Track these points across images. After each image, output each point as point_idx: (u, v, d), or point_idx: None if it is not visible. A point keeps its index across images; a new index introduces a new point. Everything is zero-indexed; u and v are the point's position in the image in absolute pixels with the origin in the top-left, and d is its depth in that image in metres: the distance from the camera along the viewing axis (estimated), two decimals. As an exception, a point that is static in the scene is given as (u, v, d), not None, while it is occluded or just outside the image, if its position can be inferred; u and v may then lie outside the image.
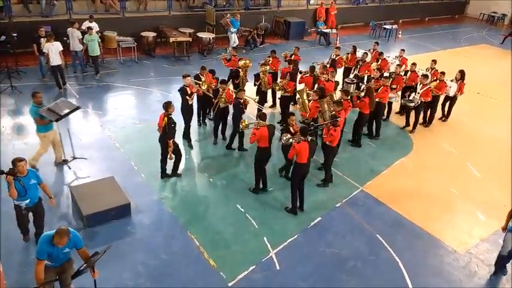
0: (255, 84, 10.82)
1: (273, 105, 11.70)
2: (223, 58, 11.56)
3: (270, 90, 11.07)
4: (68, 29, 12.46)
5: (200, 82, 9.39)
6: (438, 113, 11.79)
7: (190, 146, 9.45)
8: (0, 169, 5.60)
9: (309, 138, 7.26)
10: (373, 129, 10.58)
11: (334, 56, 12.83)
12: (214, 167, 8.88)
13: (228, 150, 9.49)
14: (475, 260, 6.98)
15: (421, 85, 10.86)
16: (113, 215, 7.00)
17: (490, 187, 9.02)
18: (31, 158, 7.95)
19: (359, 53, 12.99)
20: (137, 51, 14.69)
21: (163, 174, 8.27)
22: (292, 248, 6.83)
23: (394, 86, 11.28)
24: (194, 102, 9.49)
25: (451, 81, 11.42)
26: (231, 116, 9.39)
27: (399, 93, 11.34)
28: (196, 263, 6.38)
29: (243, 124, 8.03)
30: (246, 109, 9.16)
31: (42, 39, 11.50)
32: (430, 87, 10.74)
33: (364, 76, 12.30)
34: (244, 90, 9.16)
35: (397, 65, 11.85)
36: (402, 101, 11.26)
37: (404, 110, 11.68)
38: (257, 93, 10.81)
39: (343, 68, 13.14)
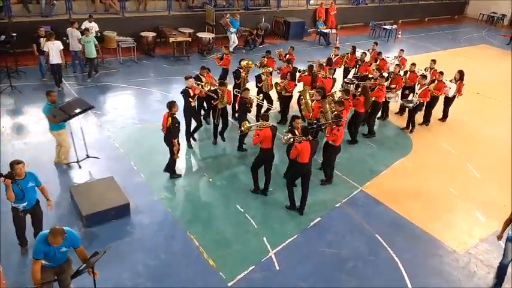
0: (257, 86, 10.82)
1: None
2: (216, 58, 11.58)
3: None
4: (68, 28, 12.47)
5: (203, 83, 9.33)
6: (438, 113, 11.79)
7: (190, 146, 9.44)
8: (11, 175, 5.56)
9: (310, 138, 7.28)
10: (369, 128, 10.64)
11: (333, 56, 12.84)
12: (214, 167, 8.88)
13: (227, 151, 9.50)
14: (474, 260, 6.99)
15: (419, 85, 10.87)
16: (112, 215, 7.00)
17: (490, 187, 9.03)
18: (62, 158, 8.26)
19: (358, 53, 13.01)
20: (137, 51, 14.68)
21: (172, 173, 8.29)
22: (292, 248, 6.83)
23: (393, 86, 11.32)
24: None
25: (450, 81, 11.43)
26: (235, 116, 9.38)
27: (398, 93, 11.36)
28: (196, 263, 6.38)
29: (245, 127, 7.96)
30: (251, 108, 9.16)
31: (41, 39, 11.50)
32: (428, 87, 10.74)
33: (364, 76, 12.29)
34: (249, 90, 9.16)
35: (396, 65, 11.86)
36: (401, 101, 11.27)
37: (404, 111, 11.70)
38: (258, 94, 10.79)
39: (342, 68, 13.14)
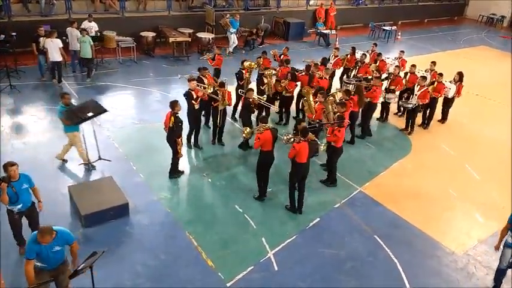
0: (260, 88, 10.82)
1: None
2: (208, 58, 11.59)
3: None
4: (67, 28, 12.47)
5: (206, 85, 9.24)
6: (437, 114, 11.81)
7: (189, 147, 9.44)
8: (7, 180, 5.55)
9: (311, 138, 7.29)
10: (366, 129, 10.66)
11: (333, 56, 12.86)
12: (213, 168, 8.88)
13: (226, 151, 9.50)
14: (472, 261, 7.00)
15: (419, 87, 10.88)
16: (111, 215, 6.99)
17: (489, 189, 9.04)
18: (82, 159, 8.30)
19: (358, 54, 13.03)
20: (136, 51, 14.68)
21: (173, 175, 8.29)
22: (291, 249, 6.84)
23: (393, 87, 11.34)
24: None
25: (450, 82, 11.44)
26: (239, 116, 9.35)
27: (397, 93, 11.37)
28: (195, 263, 6.38)
29: (246, 132, 7.91)
30: (256, 109, 9.13)
31: (41, 38, 11.51)
32: (427, 89, 10.74)
33: (366, 78, 12.31)
34: (253, 90, 9.13)
35: (396, 66, 11.86)
36: (400, 102, 11.28)
37: (403, 112, 11.71)
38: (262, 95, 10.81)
39: (342, 68, 13.16)
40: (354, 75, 12.72)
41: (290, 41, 18.91)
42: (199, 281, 6.07)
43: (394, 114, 12.08)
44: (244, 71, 10.47)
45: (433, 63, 12.29)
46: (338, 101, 9.29)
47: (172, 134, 7.82)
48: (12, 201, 5.68)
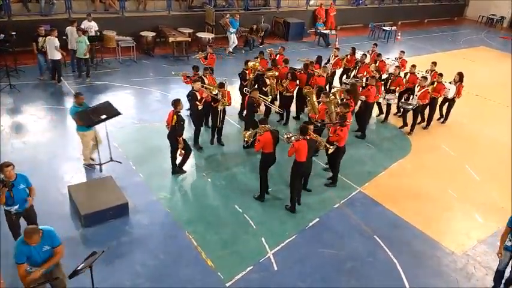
0: (262, 90, 10.80)
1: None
2: (200, 57, 11.58)
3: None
4: (67, 28, 12.44)
5: (211, 87, 9.17)
6: (437, 114, 11.81)
7: (197, 149, 9.35)
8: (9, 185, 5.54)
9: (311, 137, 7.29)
10: (363, 128, 10.66)
11: (333, 57, 12.86)
12: (213, 167, 8.88)
13: (226, 151, 9.50)
14: (472, 261, 7.00)
15: (419, 87, 10.88)
16: (110, 215, 6.99)
17: (488, 189, 9.04)
18: (83, 159, 8.31)
19: (358, 55, 13.02)
20: (136, 51, 14.67)
21: (175, 170, 8.32)
22: (290, 249, 6.84)
23: (393, 88, 11.35)
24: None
25: (450, 83, 11.44)
26: (244, 118, 9.32)
27: (397, 94, 11.38)
28: (194, 263, 6.38)
29: (246, 135, 7.87)
30: (259, 109, 9.15)
31: (40, 38, 11.52)
32: (427, 89, 10.75)
33: (363, 78, 12.33)
34: (258, 90, 9.13)
35: (396, 66, 11.87)
36: (400, 103, 11.29)
37: (401, 112, 11.70)
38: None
39: (342, 69, 13.16)
40: (353, 75, 12.73)
41: (290, 41, 18.92)
42: (198, 281, 6.07)
43: (394, 114, 12.08)
44: (247, 72, 10.45)
45: (434, 63, 12.29)
46: (339, 100, 9.32)
47: (174, 132, 7.85)
48: (8, 203, 5.68)
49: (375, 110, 11.81)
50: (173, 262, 6.36)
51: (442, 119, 12.02)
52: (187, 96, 9.04)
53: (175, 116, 7.69)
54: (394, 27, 21.53)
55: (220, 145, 9.65)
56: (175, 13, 16.79)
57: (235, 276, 6.20)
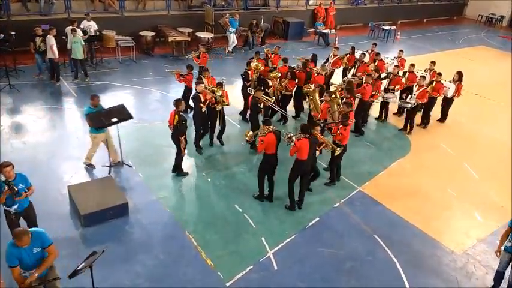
0: (265, 91, 10.81)
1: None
2: (193, 56, 11.58)
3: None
4: (67, 27, 12.41)
5: (215, 89, 9.08)
6: (436, 114, 11.81)
7: (200, 153, 9.29)
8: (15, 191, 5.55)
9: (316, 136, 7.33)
10: (359, 126, 10.68)
11: (332, 56, 12.86)
12: (213, 167, 8.87)
13: (226, 150, 9.50)
14: (472, 260, 7.01)
15: (417, 86, 10.88)
16: (110, 215, 6.99)
17: (488, 188, 9.05)
18: (85, 157, 8.28)
19: (357, 54, 13.03)
20: (136, 51, 14.67)
21: (179, 171, 8.32)
22: (290, 248, 6.84)
23: (392, 87, 11.35)
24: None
25: (449, 82, 11.45)
26: (248, 116, 9.36)
27: (397, 93, 11.38)
28: (194, 263, 6.38)
29: (248, 135, 7.84)
30: (263, 109, 9.18)
31: (37, 37, 11.52)
32: (426, 88, 10.75)
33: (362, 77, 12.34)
34: (262, 90, 9.13)
35: (395, 65, 11.87)
36: (399, 102, 11.30)
37: (402, 112, 11.72)
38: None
39: (341, 68, 13.16)
40: (352, 74, 12.73)
41: (289, 40, 18.92)
42: (198, 281, 6.07)
43: (394, 114, 12.09)
44: (250, 72, 10.44)
45: (433, 62, 12.30)
46: (339, 98, 9.34)
47: (177, 132, 7.87)
48: (8, 203, 5.68)
49: (375, 112, 11.85)
50: (173, 262, 6.36)
51: (441, 119, 12.01)
52: (192, 98, 9.00)
53: (177, 116, 7.71)
54: (393, 27, 21.53)
55: (220, 144, 9.64)
56: (174, 13, 16.78)
57: (235, 275, 6.20)
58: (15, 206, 5.77)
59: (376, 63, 12.43)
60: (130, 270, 6.12)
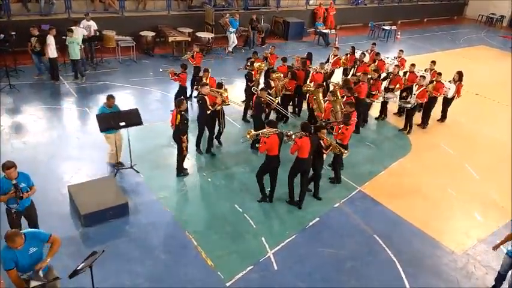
0: (268, 92, 10.81)
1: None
2: (188, 57, 11.61)
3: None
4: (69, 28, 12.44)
5: (221, 90, 9.06)
6: (436, 114, 11.81)
7: (200, 153, 9.29)
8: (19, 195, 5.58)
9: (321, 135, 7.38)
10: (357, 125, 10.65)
11: (333, 56, 12.87)
12: (212, 167, 8.88)
13: (226, 151, 9.50)
14: (472, 261, 7.00)
15: (417, 86, 10.88)
16: (111, 215, 6.99)
17: (488, 188, 9.04)
18: (107, 159, 8.38)
19: (357, 54, 13.03)
20: (136, 51, 14.67)
21: (180, 170, 8.31)
22: (290, 248, 6.84)
23: (392, 87, 11.35)
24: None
25: (449, 82, 11.45)
26: (251, 116, 9.40)
27: (397, 93, 11.38)
28: (194, 263, 6.38)
29: (250, 135, 7.70)
30: (267, 109, 9.18)
31: (33, 37, 11.52)
32: (426, 88, 10.74)
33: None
34: (266, 90, 9.12)
35: (395, 65, 11.87)
36: (399, 102, 11.29)
37: (402, 112, 11.71)
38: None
39: (341, 68, 13.16)
40: (352, 74, 12.73)
41: (290, 40, 18.93)
42: (198, 281, 6.07)
43: (394, 114, 12.08)
44: (253, 72, 10.42)
45: (433, 62, 12.30)
46: (340, 98, 9.36)
47: (178, 131, 7.89)
48: (9, 202, 5.68)
49: (375, 112, 11.84)
50: (173, 262, 6.36)
51: (440, 119, 12.00)
52: (198, 101, 8.97)
53: (178, 116, 7.73)
54: (393, 27, 21.52)
55: (219, 145, 9.63)
56: (174, 13, 16.79)
57: (235, 275, 6.20)
58: (16, 205, 5.76)
59: (376, 63, 12.43)
60: (130, 270, 6.12)
